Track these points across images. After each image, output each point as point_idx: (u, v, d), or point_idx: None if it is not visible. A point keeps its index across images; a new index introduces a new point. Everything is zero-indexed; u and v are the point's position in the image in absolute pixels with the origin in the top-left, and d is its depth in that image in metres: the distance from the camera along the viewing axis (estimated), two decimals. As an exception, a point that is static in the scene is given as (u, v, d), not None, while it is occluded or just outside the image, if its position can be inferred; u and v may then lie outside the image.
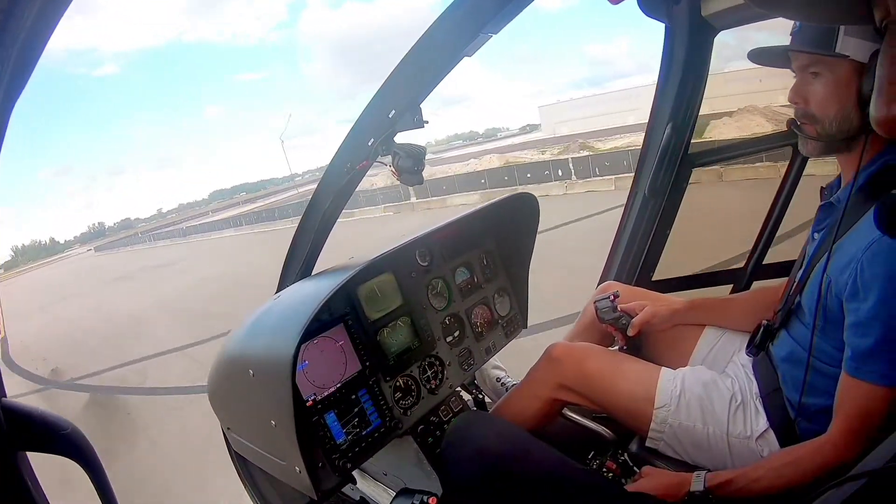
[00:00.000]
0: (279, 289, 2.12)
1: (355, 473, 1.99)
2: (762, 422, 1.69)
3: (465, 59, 1.53)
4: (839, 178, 1.61)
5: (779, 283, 1.97)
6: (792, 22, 1.50)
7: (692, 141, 2.49)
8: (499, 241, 2.65)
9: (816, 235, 1.63)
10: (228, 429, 2.08)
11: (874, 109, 0.82)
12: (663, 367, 1.90)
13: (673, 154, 2.44)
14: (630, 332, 2.07)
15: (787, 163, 2.34)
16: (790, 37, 1.50)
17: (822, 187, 1.69)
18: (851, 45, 1.37)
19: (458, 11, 1.44)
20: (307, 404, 1.81)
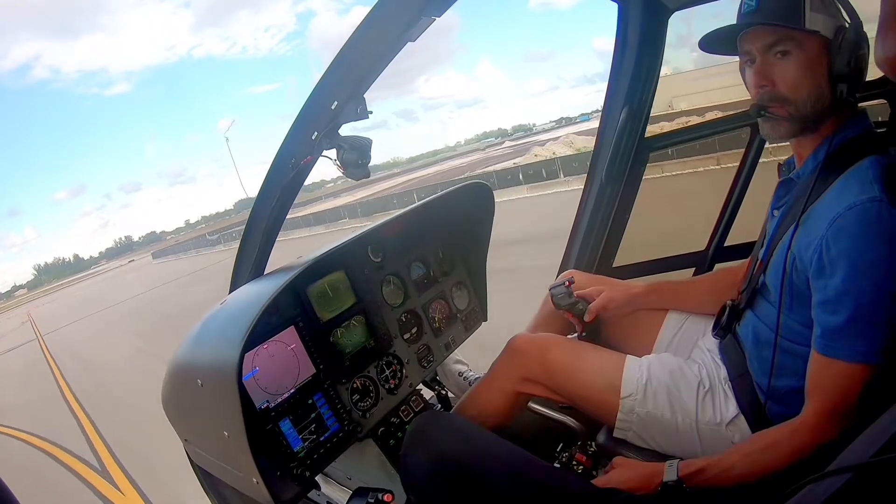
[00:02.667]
0: (230, 291, 2.03)
1: (319, 478, 1.94)
2: (732, 407, 1.66)
3: (409, 44, 1.45)
4: (794, 156, 1.58)
5: (738, 264, 1.94)
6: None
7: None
8: (454, 233, 2.59)
9: (776, 213, 1.60)
10: (186, 440, 2.00)
11: (882, 50, 0.82)
12: (628, 356, 1.86)
13: (629, 139, 2.41)
14: (586, 318, 2.03)
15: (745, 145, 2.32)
16: (740, 18, 1.45)
17: (779, 164, 1.67)
18: (820, 20, 1.34)
19: None
20: (260, 412, 1.74)
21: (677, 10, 2.21)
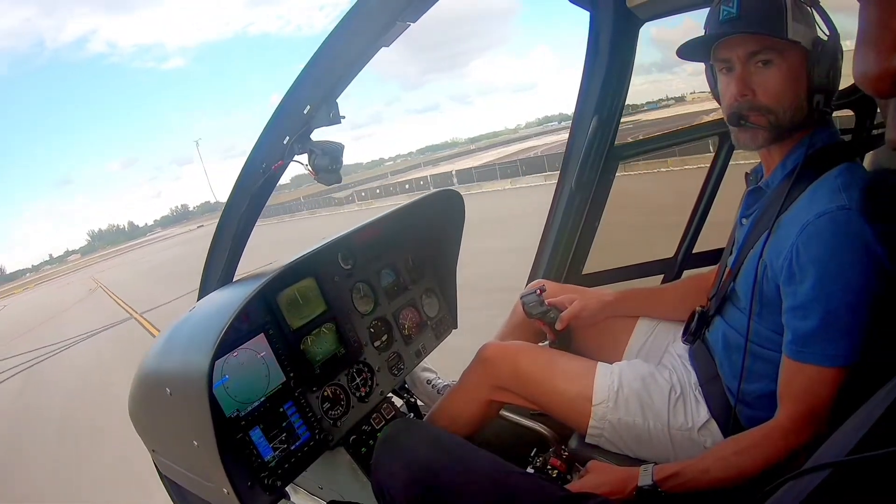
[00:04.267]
0: (199, 298, 2.00)
1: (289, 488, 1.92)
2: (703, 412, 1.68)
3: (384, 49, 1.45)
4: (761, 164, 1.61)
5: (709, 270, 1.97)
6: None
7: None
8: (423, 240, 2.60)
9: (745, 221, 1.62)
10: (154, 451, 1.96)
11: (861, 66, 0.83)
12: (599, 363, 1.87)
13: (599, 147, 2.43)
14: (558, 326, 2.03)
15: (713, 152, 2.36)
16: (718, 27, 1.45)
17: (746, 173, 1.70)
18: (800, 31, 1.36)
19: (372, 0, 1.36)
20: (230, 421, 1.72)
21: (648, 20, 2.24)
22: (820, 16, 1.40)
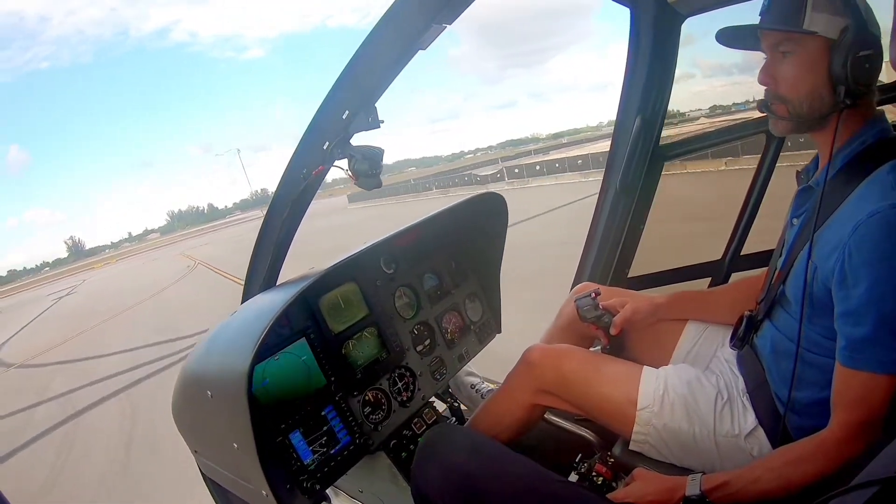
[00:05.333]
0: (242, 301, 2.04)
1: (329, 491, 1.94)
2: (750, 419, 1.64)
3: (420, 52, 1.46)
4: (815, 161, 1.57)
5: (759, 273, 1.93)
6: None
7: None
8: (466, 243, 2.60)
9: (795, 221, 1.58)
10: (196, 452, 2.00)
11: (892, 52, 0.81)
12: (645, 367, 1.84)
13: (643, 147, 2.40)
14: (613, 331, 2.01)
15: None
16: (759, 17, 1.46)
17: (797, 171, 1.65)
18: (821, 21, 1.34)
19: (408, 3, 1.37)
20: (270, 424, 1.75)
21: (690, 15, 2.21)
22: (845, 5, 1.36)
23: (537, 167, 39.25)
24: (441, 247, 2.50)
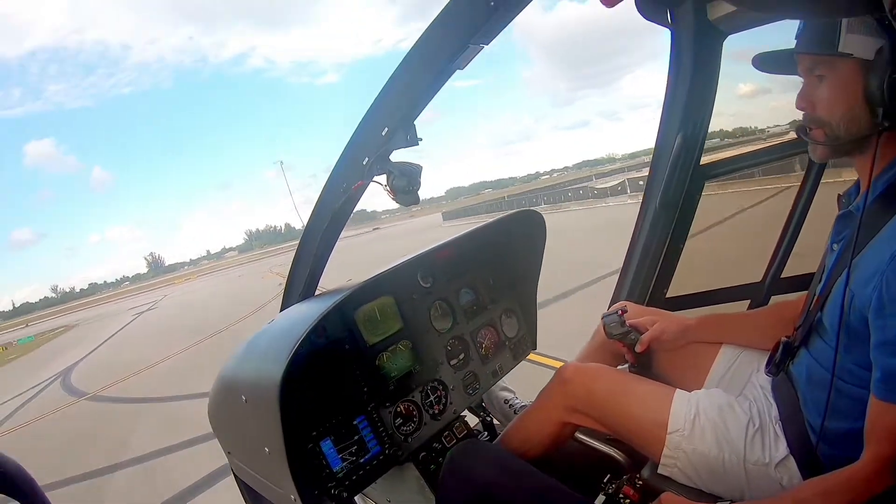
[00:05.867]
0: (281, 310, 2.11)
1: (357, 499, 1.98)
2: (782, 448, 1.62)
3: (458, 71, 1.50)
4: (857, 184, 1.55)
5: (799, 296, 1.90)
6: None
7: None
8: (504, 260, 2.63)
9: (835, 247, 1.55)
10: (229, 453, 2.07)
11: None
12: (677, 390, 1.84)
13: (684, 166, 2.38)
14: (638, 348, 2.02)
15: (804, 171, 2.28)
16: (795, 40, 1.47)
17: (839, 195, 1.63)
18: (855, 42, 1.33)
19: (445, 24, 1.41)
20: (301, 431, 1.80)
21: (731, 33, 2.19)
22: (881, 25, 1.32)
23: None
24: (479, 262, 2.53)
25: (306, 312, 1.82)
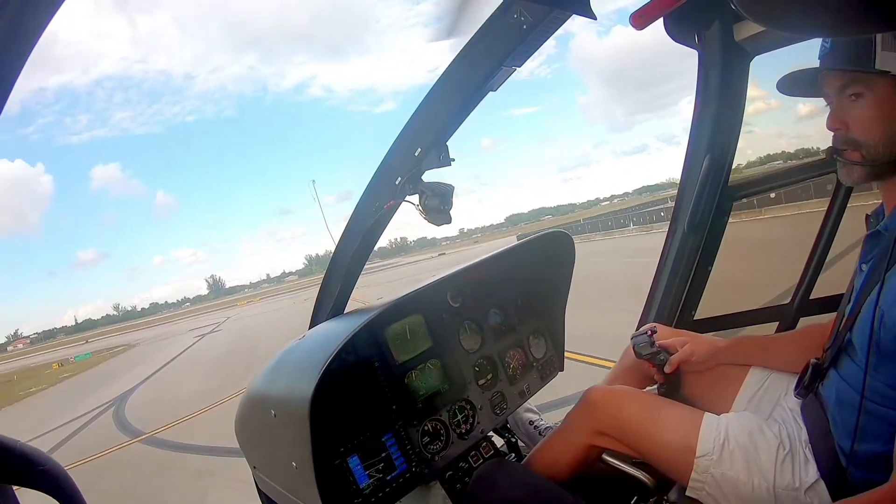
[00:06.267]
0: (310, 327, 2.14)
1: None
2: (812, 472, 1.60)
3: (491, 93, 1.53)
4: (883, 205, 1.54)
5: (828, 318, 1.89)
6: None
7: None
8: (533, 281, 2.64)
9: (864, 267, 1.54)
10: (255, 467, 2.10)
11: None
12: (706, 413, 1.82)
13: (712, 187, 2.39)
14: (667, 369, 2.01)
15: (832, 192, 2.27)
16: (819, 61, 1.47)
17: (867, 215, 1.62)
18: (892, 59, 1.32)
19: (479, 46, 1.45)
20: (329, 447, 1.82)
21: (758, 54, 2.21)
22: None
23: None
24: (508, 283, 2.55)
25: (337, 330, 1.85)
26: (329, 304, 2.07)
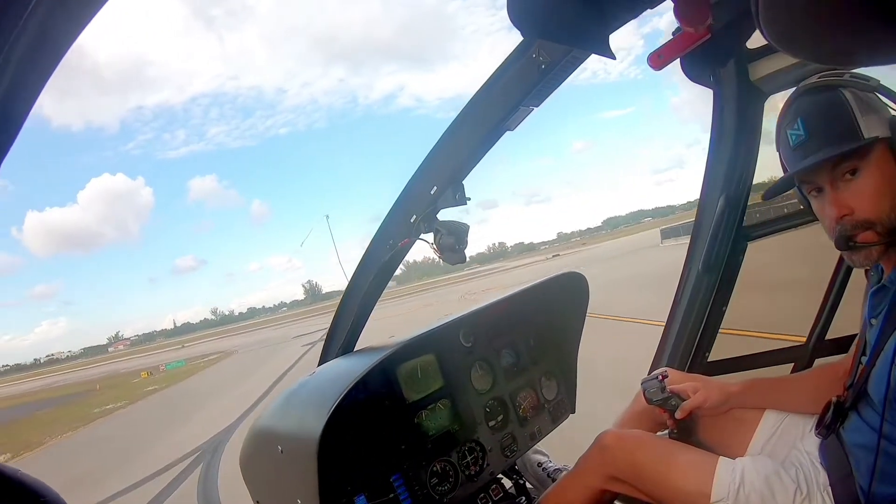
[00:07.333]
0: (320, 363, 2.13)
1: None
2: None
3: (508, 132, 1.54)
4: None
5: (842, 358, 1.89)
6: None
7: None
8: (546, 322, 2.65)
9: (874, 321, 1.53)
10: (257, 502, 2.08)
11: None
12: (720, 458, 1.81)
13: (727, 227, 2.39)
14: (678, 415, 1.98)
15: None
16: (794, 152, 1.44)
17: (866, 269, 1.62)
18: (873, 122, 1.33)
19: (497, 85, 1.47)
20: (336, 486, 1.82)
21: (773, 93, 2.22)
22: (884, 96, 1.34)
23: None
24: (521, 323, 2.57)
25: (348, 368, 1.85)
26: (340, 339, 2.08)
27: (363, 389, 1.94)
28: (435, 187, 1.63)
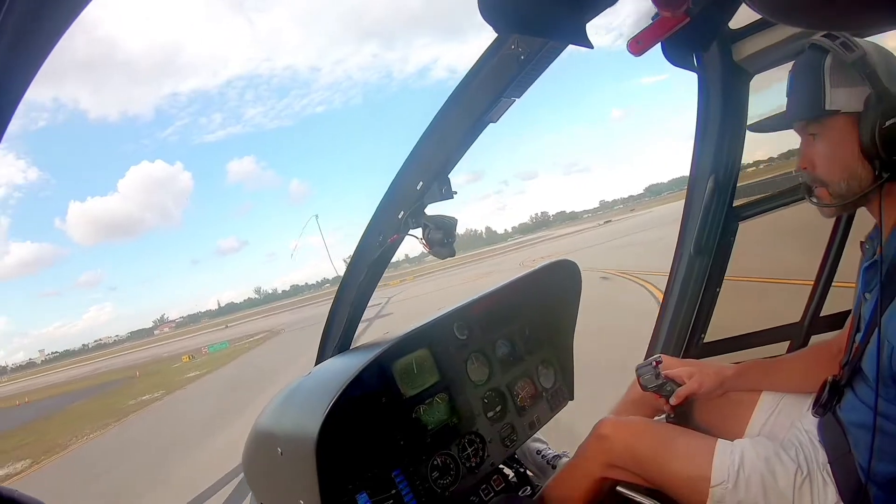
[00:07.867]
0: (316, 363, 2.14)
1: None
2: (831, 494, 1.60)
3: (491, 124, 1.55)
4: (878, 228, 1.54)
5: (837, 335, 1.90)
6: None
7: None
8: (540, 310, 2.65)
9: (867, 296, 1.55)
10: None
11: None
12: (719, 440, 1.82)
13: (717, 209, 2.40)
14: (673, 401, 1.99)
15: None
16: (786, 98, 1.51)
17: (861, 242, 1.64)
18: (842, 96, 1.37)
19: (477, 78, 1.48)
20: (338, 484, 1.83)
21: (758, 73, 2.23)
22: (862, 74, 1.34)
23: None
24: (515, 314, 2.58)
25: (344, 366, 1.86)
26: (335, 339, 2.08)
27: (359, 387, 1.93)
28: (421, 182, 1.64)
